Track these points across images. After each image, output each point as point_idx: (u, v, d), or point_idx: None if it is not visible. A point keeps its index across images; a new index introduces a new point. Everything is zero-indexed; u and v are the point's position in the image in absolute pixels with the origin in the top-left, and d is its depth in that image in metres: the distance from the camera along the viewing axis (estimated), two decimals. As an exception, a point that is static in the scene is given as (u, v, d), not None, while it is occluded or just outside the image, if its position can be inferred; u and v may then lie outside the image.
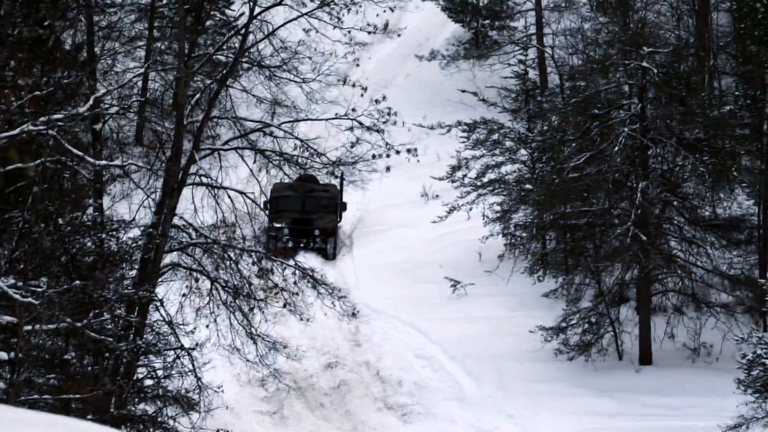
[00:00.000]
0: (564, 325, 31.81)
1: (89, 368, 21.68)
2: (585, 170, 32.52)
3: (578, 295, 32.91)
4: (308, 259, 33.96)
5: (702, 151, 32.41)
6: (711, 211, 33.78)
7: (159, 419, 22.84)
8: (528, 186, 36.52)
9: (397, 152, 29.72)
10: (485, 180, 37.63)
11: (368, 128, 29.43)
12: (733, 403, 23.50)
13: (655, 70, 31.72)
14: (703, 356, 32.03)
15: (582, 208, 33.00)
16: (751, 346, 25.08)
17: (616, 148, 31.96)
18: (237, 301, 27.32)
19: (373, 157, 30.00)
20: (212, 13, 36.85)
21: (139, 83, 33.23)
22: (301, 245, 36.25)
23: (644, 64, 31.75)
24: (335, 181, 37.63)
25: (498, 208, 37.04)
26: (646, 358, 31.89)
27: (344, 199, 39.31)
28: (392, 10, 30.10)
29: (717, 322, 32.01)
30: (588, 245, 33.56)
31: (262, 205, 32.35)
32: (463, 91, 45.80)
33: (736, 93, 35.94)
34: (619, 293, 32.86)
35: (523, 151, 37.78)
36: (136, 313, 24.14)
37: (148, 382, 23.57)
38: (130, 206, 26.78)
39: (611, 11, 42.93)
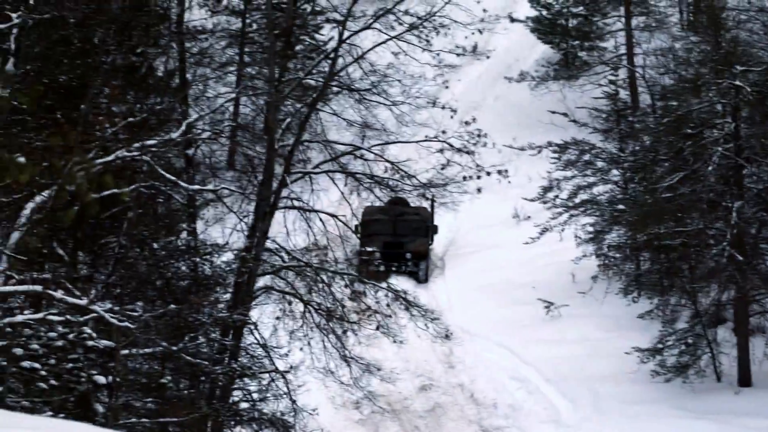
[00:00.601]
0: (660, 346, 31.43)
1: (185, 392, 21.81)
2: (678, 190, 32.17)
3: (674, 316, 32.50)
4: (400, 283, 33.89)
5: (798, 169, 31.93)
6: (808, 230, 33.22)
7: (255, 442, 22.92)
8: (621, 206, 36.20)
9: (488, 174, 29.63)
10: (577, 201, 37.37)
11: (458, 150, 29.37)
12: (836, 425, 23.00)
13: (749, 89, 31.30)
14: (804, 378, 31.46)
15: (676, 229, 32.61)
16: None
17: (710, 168, 31.58)
18: (330, 323, 27.33)
19: (464, 178, 29.92)
20: (302, 38, 37.05)
21: (231, 108, 33.52)
22: (393, 269, 36.23)
23: (737, 82, 31.36)
24: (426, 204, 37.57)
25: (590, 228, 36.75)
26: (745, 379, 31.38)
27: (435, 222, 39.22)
28: (480, 32, 30.00)
29: (816, 342, 31.46)
30: (683, 266, 33.15)
31: (353, 229, 32.42)
32: (553, 112, 45.56)
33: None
34: (716, 314, 32.39)
35: (615, 172, 37.47)
36: (230, 337, 24.25)
37: (244, 405, 23.66)
38: (223, 230, 26.96)
39: (702, 30, 42.42)
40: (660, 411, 29.83)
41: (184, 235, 25.84)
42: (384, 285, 28.13)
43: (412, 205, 38.43)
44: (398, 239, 37.91)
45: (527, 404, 31.12)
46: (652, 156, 34.35)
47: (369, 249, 32.96)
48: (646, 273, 35.66)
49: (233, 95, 31.03)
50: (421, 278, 37.26)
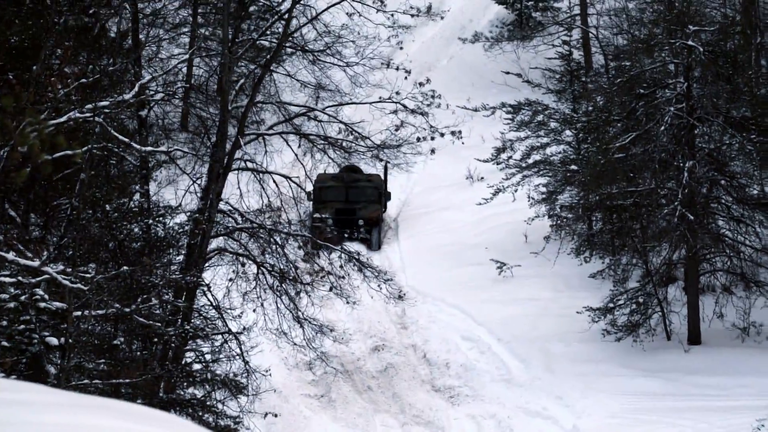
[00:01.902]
0: (611, 305, 31.72)
1: (138, 353, 21.85)
2: (631, 150, 32.37)
3: (625, 276, 32.78)
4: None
5: (749, 129, 32.15)
6: (759, 189, 33.52)
7: (208, 403, 22.99)
8: (573, 167, 36.40)
9: (442, 135, 29.73)
10: (530, 161, 37.56)
11: (412, 111, 29.44)
12: (783, 382, 23.37)
13: (701, 49, 31.49)
14: (753, 336, 31.82)
15: (628, 189, 32.83)
16: (801, 325, 24.90)
17: (663, 128, 31.78)
18: (283, 285, 27.43)
19: (418, 140, 30.00)
20: (255, -2, 36.89)
21: (184, 69, 33.37)
22: (345, 235, 36.13)
23: (690, 42, 31.53)
24: (379, 170, 37.56)
25: (543, 189, 36.96)
26: (694, 338, 31.74)
27: (389, 188, 39.23)
28: (435, -7, 29.99)
29: (766, 301, 31.82)
30: (635, 225, 33.40)
31: (305, 196, 32.45)
32: (507, 73, 45.66)
33: (783, 70, 35.62)
34: (666, 273, 32.70)
35: (568, 132, 37.65)
36: (183, 298, 24.29)
37: (197, 366, 23.72)
38: (176, 192, 26.95)
39: (656, -10, 42.67)
40: (610, 369, 30.15)
41: (136, 196, 25.80)
42: (337, 246, 28.23)
43: (365, 172, 38.40)
44: (351, 206, 37.78)
45: (479, 364, 31.35)
46: (605, 116, 34.51)
47: (321, 216, 32.98)
48: (597, 233, 35.92)
49: (186, 56, 30.85)
50: (374, 245, 37.25)
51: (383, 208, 38.71)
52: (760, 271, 32.32)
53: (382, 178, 38.56)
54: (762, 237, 32.40)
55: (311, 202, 35.62)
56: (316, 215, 34.84)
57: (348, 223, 36.99)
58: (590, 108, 36.45)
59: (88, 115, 22.08)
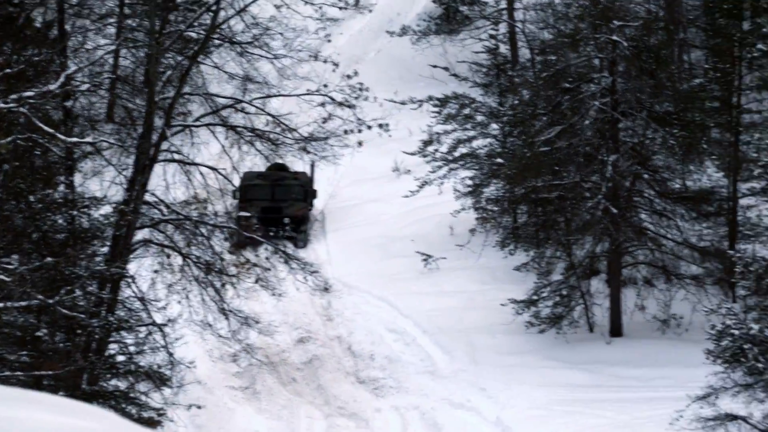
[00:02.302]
0: (535, 298, 32.01)
1: (61, 345, 21.77)
2: (556, 144, 32.69)
3: (549, 269, 33.09)
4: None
5: (672, 124, 32.59)
6: (681, 183, 33.97)
7: (131, 395, 22.95)
8: (499, 160, 36.64)
9: (369, 127, 29.86)
10: (457, 154, 37.74)
11: (340, 104, 29.54)
12: (703, 373, 23.73)
13: (625, 44, 31.86)
14: (673, 328, 32.30)
15: (553, 182, 33.15)
16: (720, 317, 25.30)
17: (587, 122, 32.14)
18: (209, 276, 27.41)
19: (345, 132, 30.11)
20: (183, -11, 36.73)
21: (110, 60, 33.17)
22: (271, 234, 35.84)
23: (614, 37, 31.89)
24: (306, 167, 37.48)
25: (469, 182, 37.17)
26: (616, 330, 32.14)
27: (316, 186, 39.03)
28: (363, -14, 30.11)
29: (687, 293, 32.27)
30: (559, 219, 33.73)
31: (232, 194, 32.42)
32: (435, 66, 45.89)
33: (706, 66, 36.14)
34: (590, 266, 33.07)
35: (494, 126, 37.89)
36: (108, 290, 24.21)
37: (120, 358, 23.67)
38: (101, 183, 26.83)
39: (582, -15, 43.04)
40: (534, 361, 30.45)
41: (61, 188, 25.65)
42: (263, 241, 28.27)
43: (291, 170, 38.23)
44: (277, 204, 37.30)
45: (404, 356, 31.52)
46: (531, 110, 34.82)
47: (246, 214, 32.79)
48: (522, 226, 36.19)
49: (113, 47, 30.75)
50: (300, 244, 37.02)
51: (310, 206, 38.55)
52: (681, 264, 32.78)
53: (309, 175, 38.31)
54: (683, 230, 32.86)
55: (237, 201, 35.37)
56: (242, 213, 34.57)
57: (274, 222, 36.43)
58: (516, 102, 36.72)
59: (12, 105, 21.97)
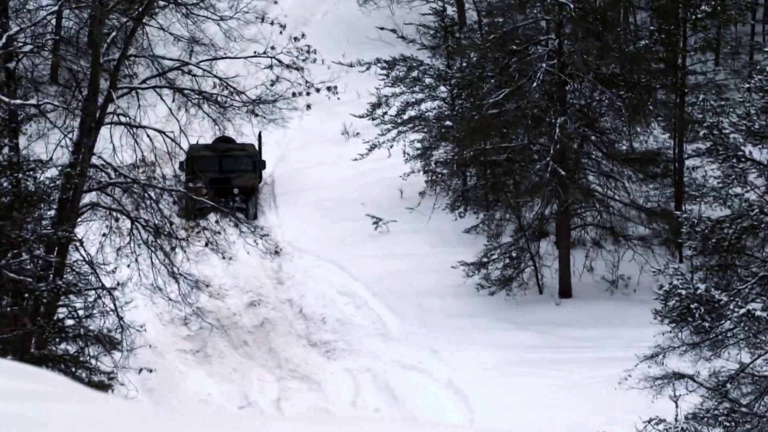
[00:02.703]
0: (485, 260, 32.09)
1: (8, 309, 21.53)
2: (504, 106, 32.71)
3: (499, 231, 33.19)
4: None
5: (618, 85, 32.69)
6: (628, 145, 34.16)
7: (81, 359, 22.77)
8: (448, 123, 36.63)
9: (317, 90, 29.69)
10: (405, 117, 37.68)
11: (287, 66, 29.33)
12: (650, 333, 23.83)
13: (572, 6, 31.85)
14: (621, 288, 32.51)
15: (502, 144, 33.19)
16: (668, 277, 25.46)
17: (535, 84, 32.15)
18: (158, 240, 27.22)
19: (293, 95, 29.93)
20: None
21: (53, 21, 32.72)
22: (221, 205, 35.51)
23: (561, -1, 31.89)
24: (253, 139, 37.12)
25: (418, 145, 37.16)
26: (565, 291, 32.30)
27: (264, 151, 38.75)
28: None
29: (634, 254, 32.48)
30: (508, 181, 33.79)
31: (178, 166, 32.15)
32: (382, 29, 45.68)
33: (651, 28, 36.24)
34: (539, 228, 33.19)
35: (442, 88, 37.85)
36: (55, 254, 23.96)
37: (69, 322, 23.45)
38: (47, 146, 26.51)
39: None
40: (484, 323, 30.54)
41: (5, 150, 25.31)
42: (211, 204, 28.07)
43: (238, 141, 37.86)
44: (225, 175, 36.86)
45: (355, 318, 31.51)
46: (479, 72, 34.79)
47: (195, 185, 32.35)
48: (472, 188, 36.24)
49: (56, 8, 30.28)
50: (251, 214, 36.66)
51: (258, 178, 38.29)
52: (628, 225, 32.97)
53: (256, 147, 37.85)
54: (630, 192, 33.03)
55: (184, 173, 35.05)
56: (190, 185, 34.23)
57: (223, 193, 35.80)
58: (464, 64, 36.67)
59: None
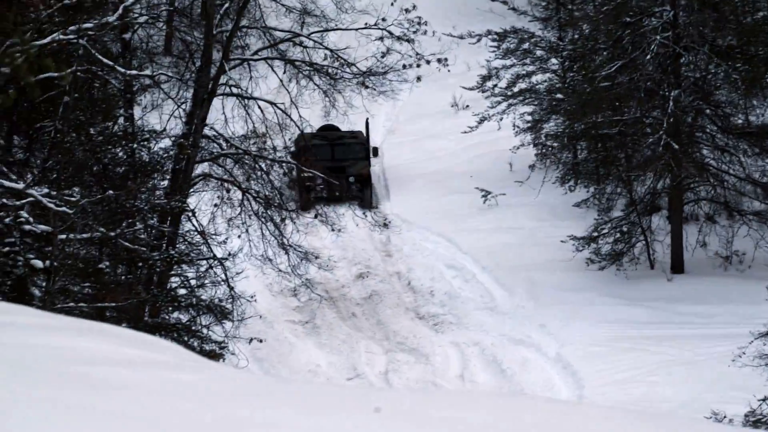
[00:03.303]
0: (595, 234, 31.77)
1: (123, 277, 21.83)
2: (617, 79, 32.31)
3: (610, 205, 32.83)
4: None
5: (735, 58, 32.10)
6: (744, 118, 33.54)
7: (193, 328, 23.03)
8: (559, 95, 36.29)
9: (428, 62, 29.61)
10: (516, 90, 37.39)
11: (398, 38, 29.31)
12: (765, 310, 23.52)
13: (688, -23, 31.34)
14: (736, 264, 31.98)
15: (614, 118, 32.80)
16: (784, 254, 25.02)
17: (648, 57, 31.69)
18: (269, 211, 27.39)
19: (404, 67, 29.90)
20: None
21: (168, -7, 33.04)
22: (337, 194, 34.38)
23: (677, -30, 31.38)
24: (361, 126, 36.64)
25: (529, 117, 36.87)
26: (678, 266, 31.87)
27: (372, 142, 37.94)
28: None
29: (749, 230, 31.94)
30: (620, 154, 33.41)
31: (289, 157, 32.05)
32: (493, 0, 45.33)
33: (771, -1, 35.44)
34: (651, 202, 32.77)
35: (554, 60, 37.48)
36: (168, 223, 24.23)
37: (182, 291, 23.72)
38: (160, 116, 26.81)
39: None
40: (593, 298, 30.24)
41: (121, 120, 25.63)
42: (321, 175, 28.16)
43: (345, 129, 36.76)
44: (339, 164, 35.51)
45: (463, 292, 31.42)
46: (591, 45, 34.39)
47: (309, 174, 31.87)
48: (582, 162, 35.87)
49: (170, -20, 30.55)
50: (367, 203, 35.47)
51: (370, 165, 37.20)
52: (743, 200, 32.42)
53: (365, 134, 36.90)
54: (746, 166, 32.47)
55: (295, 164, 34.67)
56: (304, 174, 32.94)
57: (338, 181, 34.73)
58: (576, 36, 36.27)
59: (71, 37, 21.87)
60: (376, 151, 36.54)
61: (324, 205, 31.47)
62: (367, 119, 34.10)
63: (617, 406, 23.53)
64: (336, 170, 35.07)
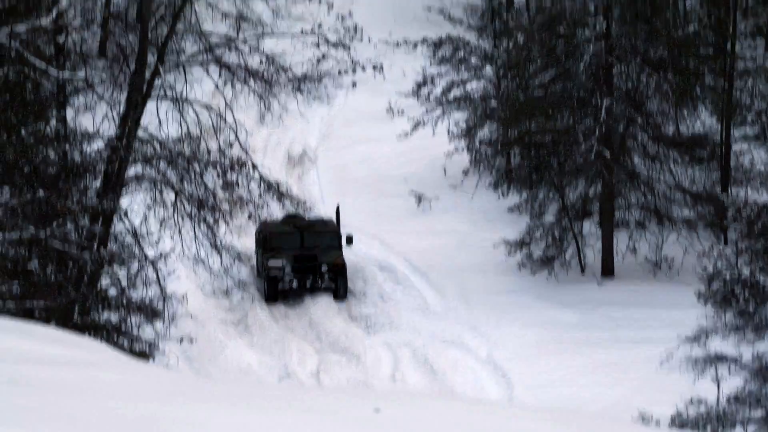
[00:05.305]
0: (528, 239, 32.09)
1: (53, 277, 21.75)
2: (550, 88, 32.73)
3: (542, 210, 33.17)
4: (317, 300, 30.88)
5: (666, 69, 32.59)
6: (674, 128, 34.02)
7: (123, 328, 22.99)
8: (493, 103, 36.64)
9: (363, 68, 29.77)
10: (451, 96, 37.70)
11: (334, 44, 29.43)
12: (693, 315, 23.81)
13: (621, -12, 31.75)
14: (665, 270, 32.41)
15: (547, 125, 33.18)
16: (712, 260, 25.34)
17: (582, 66, 32.09)
18: (202, 212, 27.41)
19: (339, 73, 30.01)
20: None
21: (103, -3, 32.96)
22: (308, 285, 31.26)
23: (610, -19, 31.79)
24: (329, 213, 33.83)
25: (463, 124, 37.18)
26: (608, 271, 32.26)
27: (342, 228, 33.19)
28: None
29: (678, 236, 32.41)
30: (552, 161, 33.76)
31: (255, 243, 31.35)
32: (429, 9, 45.66)
33: (701, 12, 36.04)
34: (582, 208, 33.16)
35: (488, 69, 37.83)
36: (100, 224, 24.17)
37: (112, 291, 23.67)
38: (93, 118, 26.74)
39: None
40: (525, 301, 30.54)
41: (53, 122, 25.54)
42: (256, 175, 28.21)
43: (313, 218, 33.27)
44: (310, 252, 31.83)
45: (396, 294, 31.59)
46: (525, 54, 34.73)
47: (276, 263, 30.49)
48: (516, 168, 36.24)
49: (105, -17, 30.50)
50: (341, 295, 31.52)
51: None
52: (673, 207, 32.88)
53: (335, 222, 33.07)
54: (676, 175, 32.95)
55: (260, 250, 31.93)
56: (272, 262, 31.00)
57: (311, 270, 31.45)
58: (511, 45, 36.62)
59: (3, 40, 21.83)
60: (350, 239, 32.52)
61: (293, 298, 30.56)
62: (338, 206, 32.56)
63: (546, 408, 23.78)
64: (306, 259, 31.81)
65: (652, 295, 30.63)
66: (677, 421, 21.78)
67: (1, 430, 5.27)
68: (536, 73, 33.47)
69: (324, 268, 31.49)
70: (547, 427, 6.86)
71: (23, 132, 22.79)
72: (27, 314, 19.32)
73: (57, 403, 5.89)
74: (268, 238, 31.39)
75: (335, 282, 31.49)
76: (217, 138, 29.04)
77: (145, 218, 26.80)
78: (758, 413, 21.95)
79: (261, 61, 29.32)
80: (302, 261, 31.52)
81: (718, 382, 22.18)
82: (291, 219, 32.28)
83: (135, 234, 25.38)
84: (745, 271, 23.80)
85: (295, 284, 30.88)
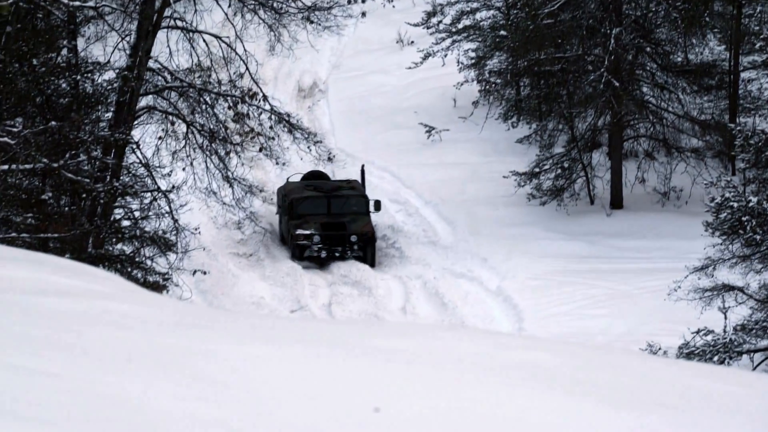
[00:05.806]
0: (537, 170, 32.15)
1: (66, 208, 21.89)
2: (559, 16, 32.56)
3: (551, 141, 33.20)
4: (347, 267, 29.67)
5: (675, -4, 32.43)
6: (683, 56, 33.91)
7: (136, 259, 23.13)
8: (503, 32, 36.49)
9: (372, -2, 29.60)
10: (460, 26, 37.57)
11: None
12: (701, 245, 23.91)
13: None
14: (673, 200, 32.51)
15: (556, 55, 33.11)
16: (720, 190, 25.40)
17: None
18: (213, 144, 27.47)
19: (348, 2, 29.90)
20: None
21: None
22: (336, 254, 30.13)
23: None
24: (356, 176, 32.80)
25: (473, 54, 37.08)
26: (617, 202, 32.35)
27: (368, 186, 32.46)
28: None
29: (687, 166, 32.45)
30: (561, 91, 33.73)
31: (276, 209, 30.90)
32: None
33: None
34: (591, 139, 33.17)
35: (497, -3, 37.67)
36: (112, 155, 24.26)
37: (126, 223, 23.79)
38: (104, 48, 26.71)
39: None
40: (534, 233, 30.65)
41: (64, 52, 25.54)
42: (267, 107, 28.24)
43: (335, 177, 32.94)
44: (338, 219, 30.62)
45: (406, 226, 31.68)
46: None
47: (304, 232, 29.87)
48: (525, 98, 36.19)
49: None
50: (370, 262, 30.24)
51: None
52: (681, 137, 32.89)
53: (360, 182, 32.07)
54: (684, 104, 32.90)
55: (285, 216, 30.82)
56: (300, 231, 30.01)
57: (339, 240, 30.22)
58: (520, -27, 36.39)
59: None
60: (378, 205, 31.26)
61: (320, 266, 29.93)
62: (363, 166, 31.78)
63: (555, 338, 23.99)
64: (334, 227, 30.63)
65: (661, 225, 30.74)
66: (684, 350, 21.98)
67: (14, 359, 5.36)
68: (545, 1, 33.30)
69: (354, 238, 30.38)
70: (556, 357, 6.98)
71: (35, 62, 22.83)
72: (41, 246, 19.49)
73: (70, 333, 5.97)
74: (294, 204, 30.55)
75: (364, 251, 30.45)
76: (227, 69, 29.04)
77: (157, 150, 26.89)
78: (765, 342, 22.15)
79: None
80: (330, 229, 30.48)
81: (725, 311, 22.34)
82: (314, 178, 31.63)
83: (147, 165, 25.47)
84: (753, 201, 23.88)
85: (324, 254, 30.16)
